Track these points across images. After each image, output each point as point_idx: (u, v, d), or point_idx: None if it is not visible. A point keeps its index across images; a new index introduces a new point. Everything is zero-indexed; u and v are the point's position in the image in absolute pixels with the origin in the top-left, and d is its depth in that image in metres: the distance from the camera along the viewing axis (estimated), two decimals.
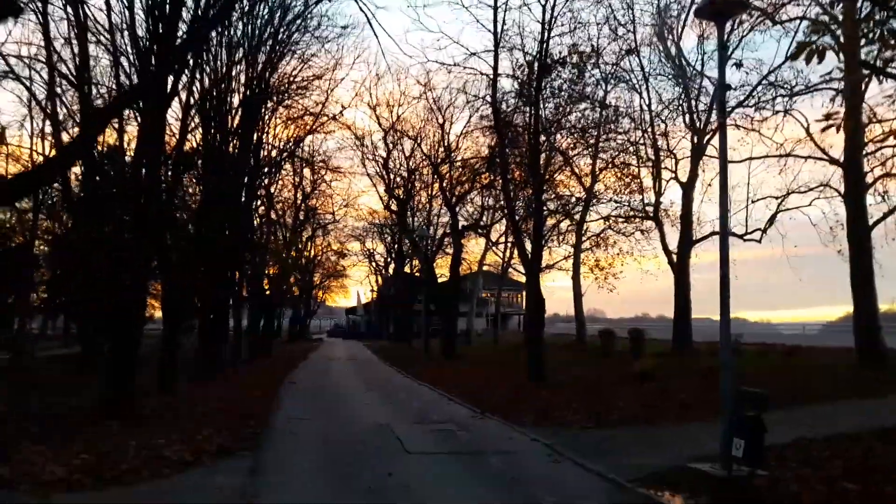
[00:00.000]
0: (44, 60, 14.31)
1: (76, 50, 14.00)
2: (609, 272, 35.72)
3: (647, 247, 33.64)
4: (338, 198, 44.86)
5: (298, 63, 23.65)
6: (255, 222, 32.95)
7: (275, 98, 24.04)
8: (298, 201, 40.68)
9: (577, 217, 34.52)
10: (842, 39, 10.44)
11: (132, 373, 12.27)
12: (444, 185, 34.75)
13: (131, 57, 13.72)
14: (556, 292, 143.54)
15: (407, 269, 54.12)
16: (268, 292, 39.27)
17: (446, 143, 34.67)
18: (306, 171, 36.34)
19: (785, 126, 33.77)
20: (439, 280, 41.47)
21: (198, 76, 18.95)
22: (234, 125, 20.99)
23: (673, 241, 30.29)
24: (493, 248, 45.72)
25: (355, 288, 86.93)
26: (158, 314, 26.36)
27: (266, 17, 20.76)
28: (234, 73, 20.61)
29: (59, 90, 15.73)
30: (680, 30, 28.09)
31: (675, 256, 29.74)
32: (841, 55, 7.47)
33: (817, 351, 25.78)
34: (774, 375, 17.60)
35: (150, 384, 15.22)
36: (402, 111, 35.33)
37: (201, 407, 13.91)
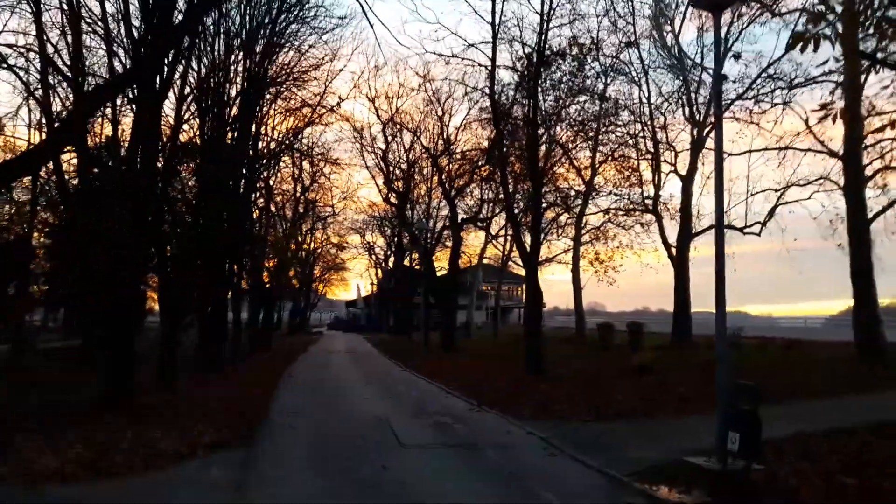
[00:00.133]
0: (37, 50, 14.18)
1: (70, 40, 13.88)
2: (609, 266, 35.65)
3: (647, 240, 33.58)
4: (337, 191, 44.74)
5: (296, 54, 23.53)
6: (254, 215, 32.89)
7: (273, 89, 23.92)
8: (298, 194, 40.59)
9: (576, 210, 34.44)
10: (840, 29, 10.33)
11: (131, 369, 12.22)
12: (444, 177, 34.66)
13: (126, 46, 13.62)
14: (556, 286, 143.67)
15: (407, 263, 54.09)
16: (267, 285, 39.23)
17: (445, 136, 34.57)
18: (305, 164, 36.22)
19: (784, 119, 33.65)
20: (439, 273, 41.43)
21: (194, 66, 18.85)
22: (232, 115, 20.88)
23: (672, 235, 30.27)
24: (493, 241, 45.66)
25: (355, 281, 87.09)
26: (158, 307, 26.33)
27: (264, 5, 20.62)
28: (231, 63, 20.46)
29: (53, 81, 15.63)
30: (679, 22, 27.99)
31: (674, 250, 29.69)
32: (838, 45, 7.36)
33: (817, 345, 25.76)
34: (773, 369, 17.59)
35: (150, 381, 15.17)
36: (401, 103, 35.22)
37: (200, 403, 13.85)
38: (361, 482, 8.32)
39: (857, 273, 19.93)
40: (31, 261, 29.34)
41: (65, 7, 13.96)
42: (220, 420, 11.98)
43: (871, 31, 5.88)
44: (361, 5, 11.72)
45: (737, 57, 20.39)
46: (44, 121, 18.16)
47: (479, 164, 32.11)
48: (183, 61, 15.52)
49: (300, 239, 48.85)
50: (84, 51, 15.00)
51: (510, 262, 47.36)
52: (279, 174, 34.96)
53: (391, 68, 52.83)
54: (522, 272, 36.02)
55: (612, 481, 8.40)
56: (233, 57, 20.37)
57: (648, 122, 30.75)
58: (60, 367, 16.19)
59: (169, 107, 17.27)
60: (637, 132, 31.20)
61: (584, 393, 15.53)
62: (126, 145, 14.76)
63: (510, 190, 29.13)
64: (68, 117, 11.98)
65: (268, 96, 24.30)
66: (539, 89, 21.69)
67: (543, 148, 26.00)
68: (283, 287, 48.96)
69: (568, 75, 23.49)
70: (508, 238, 42.57)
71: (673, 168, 30.77)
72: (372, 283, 77.86)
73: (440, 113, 34.04)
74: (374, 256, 69.36)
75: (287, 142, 27.01)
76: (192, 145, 19.03)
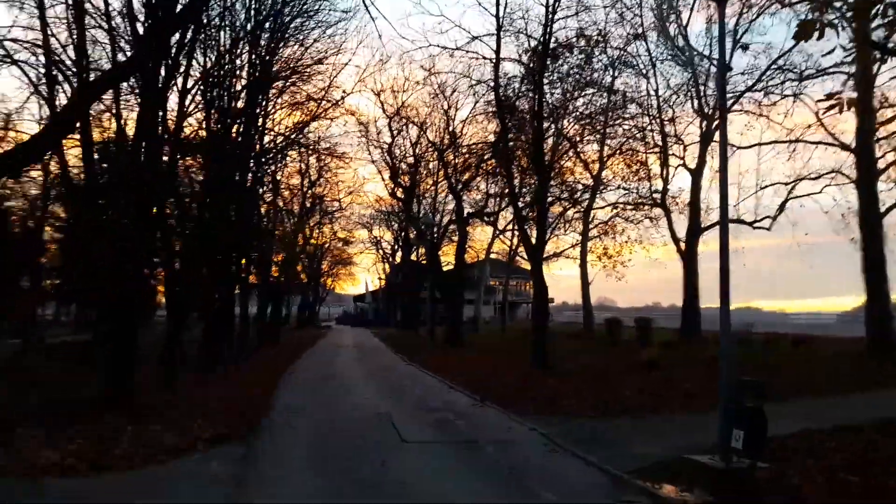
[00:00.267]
0: (41, 45, 14.24)
1: (74, 34, 13.89)
2: (617, 260, 35.42)
3: (656, 235, 33.31)
4: (343, 185, 44.70)
5: (300, 48, 23.42)
6: (261, 209, 32.90)
7: (278, 83, 23.84)
8: (304, 188, 40.57)
9: (583, 204, 34.21)
10: (849, 18, 10.09)
11: (131, 369, 12.15)
12: (449, 171, 34.50)
13: (130, 41, 13.57)
14: (564, 280, 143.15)
15: (414, 257, 54.02)
16: (276, 279, 39.29)
17: (451, 130, 34.36)
18: (312, 159, 36.14)
19: (795, 111, 33.21)
20: (446, 268, 41.32)
21: (200, 59, 18.80)
22: (237, 109, 20.80)
23: (681, 229, 30.00)
24: (501, 236, 45.50)
25: (363, 275, 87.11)
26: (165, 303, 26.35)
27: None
28: (236, 56, 20.38)
29: (59, 77, 15.60)
30: (687, 13, 27.67)
31: (683, 244, 29.44)
32: (847, 32, 7.17)
33: (828, 341, 25.46)
34: (781, 366, 17.38)
35: (151, 380, 15.11)
36: (406, 97, 34.98)
37: (200, 403, 13.78)
38: (361, 481, 8.24)
39: (870, 268, 19.67)
40: (42, 255, 29.54)
41: (69, 2, 13.95)
42: (219, 419, 11.94)
43: (880, 19, 5.73)
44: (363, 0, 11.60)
45: (744, 48, 20.08)
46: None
47: (486, 157, 31.92)
48: (186, 54, 15.45)
49: (308, 233, 48.90)
50: (88, 47, 15.04)
51: (518, 257, 47.21)
52: (286, 169, 34.93)
53: (396, 62, 52.63)
54: (530, 267, 35.89)
55: (614, 479, 8.29)
56: (237, 50, 20.29)
57: (656, 116, 30.47)
58: (61, 367, 16.08)
59: (174, 101, 17.30)
60: (645, 125, 30.93)
61: (590, 389, 15.40)
62: (132, 141, 14.77)
63: (517, 184, 29.01)
64: (70, 103, 11.93)
65: (273, 91, 24.25)
66: (545, 82, 21.50)
67: (550, 141, 25.84)
68: (292, 281, 49.03)
69: (575, 68, 23.33)
70: (515, 233, 42.39)
71: (682, 162, 30.50)
72: (380, 278, 77.98)
73: (446, 107, 33.83)
74: (381, 251, 69.38)
75: (293, 136, 26.92)
76: (197, 139, 18.97)
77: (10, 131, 19.18)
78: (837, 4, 6.36)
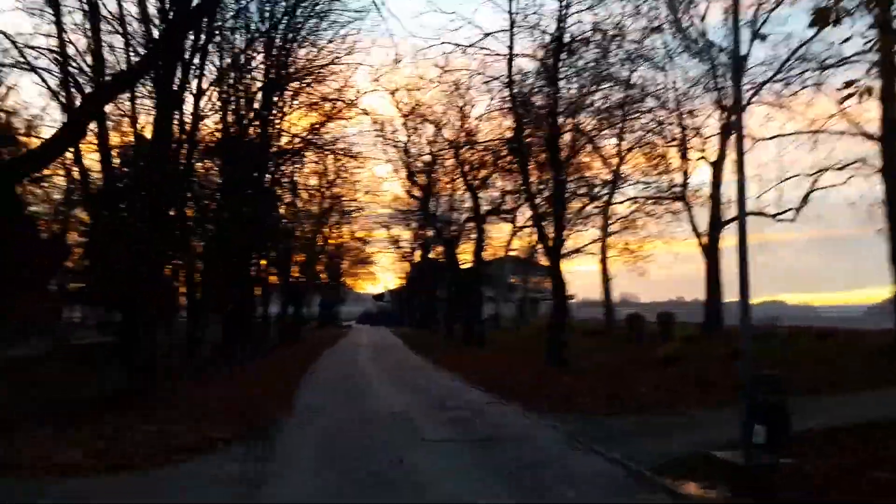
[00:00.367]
0: (58, 50, 14.39)
1: (90, 40, 14.04)
2: (638, 256, 35.06)
3: (678, 229, 32.90)
4: (360, 185, 44.79)
5: (314, 49, 23.47)
6: (280, 210, 33.09)
7: (294, 84, 23.93)
8: (322, 189, 40.70)
9: (603, 200, 33.89)
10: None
11: (149, 368, 12.27)
12: (465, 169, 34.39)
13: (146, 45, 13.70)
14: (586, 277, 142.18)
15: (432, 256, 53.99)
16: (296, 280, 39.56)
17: (467, 127, 34.19)
18: (329, 160, 36.22)
19: (816, 101, 32.65)
20: (464, 266, 41.20)
21: (215, 62, 18.92)
22: (253, 110, 20.93)
23: (703, 223, 29.61)
24: (519, 232, 45.22)
25: (383, 275, 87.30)
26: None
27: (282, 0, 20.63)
28: (250, 56, 20.48)
29: (75, 82, 15.78)
30: (705, 4, 27.28)
31: (704, 238, 29.06)
32: (867, 20, 7.01)
33: (855, 334, 24.95)
34: (804, 360, 17.08)
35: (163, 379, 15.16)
36: (421, 95, 34.83)
37: (200, 403, 13.83)
38: (378, 478, 8.20)
39: None
40: (67, 258, 29.99)
41: (85, 7, 14.12)
42: (234, 414, 12.00)
43: None
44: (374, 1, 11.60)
45: (762, 38, 19.75)
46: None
47: (502, 154, 31.72)
48: (201, 55, 15.56)
49: (327, 234, 49.14)
50: (105, 53, 15.19)
51: (537, 254, 46.92)
52: (304, 170, 35.06)
53: (410, 60, 52.54)
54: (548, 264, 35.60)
55: (633, 476, 8.18)
56: (252, 52, 20.40)
57: (674, 109, 30.07)
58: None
59: (192, 105, 17.42)
60: (663, 119, 30.54)
61: (607, 385, 15.26)
62: (149, 144, 14.89)
63: (534, 180, 28.78)
64: (85, 103, 12.06)
65: (288, 92, 24.34)
66: (561, 77, 21.33)
67: (568, 137, 25.62)
68: (312, 282, 49.35)
69: (592, 63, 23.08)
70: (534, 230, 42.08)
71: (702, 154, 30.10)
72: (399, 277, 78.12)
73: (461, 103, 33.66)
74: (400, 250, 69.41)
75: (309, 137, 27.02)
76: (214, 141, 19.11)
77: (33, 137, 19.53)
78: None
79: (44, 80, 15.01)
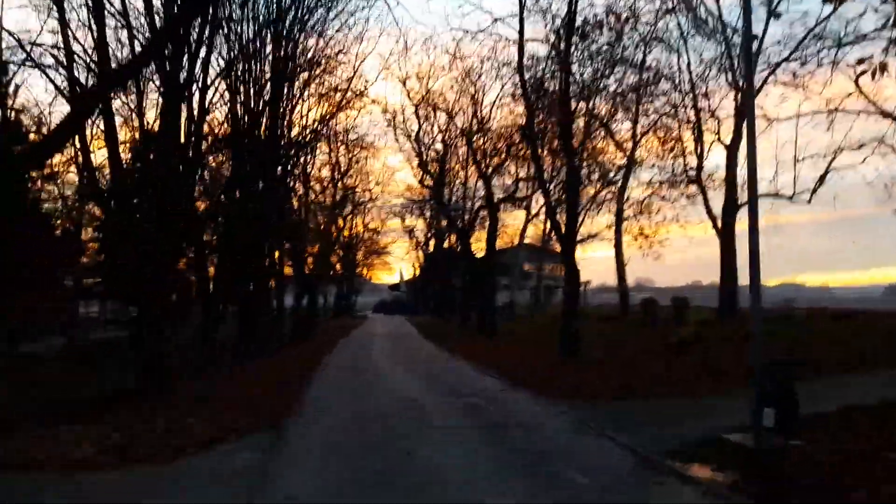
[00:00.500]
0: (62, 47, 14.49)
1: (94, 35, 14.08)
2: (654, 240, 34.75)
3: (693, 213, 32.53)
4: (373, 176, 44.91)
5: (323, 39, 23.43)
6: (293, 203, 33.19)
7: (303, 75, 23.93)
8: (336, 179, 40.80)
9: (617, 185, 33.59)
10: None
11: (145, 368, 12.30)
12: (478, 156, 34.26)
13: (148, 37, 13.75)
14: (601, 262, 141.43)
15: (446, 245, 53.98)
16: (311, 271, 39.70)
17: (479, 115, 34.04)
18: (341, 150, 36.30)
19: (833, 80, 32.14)
20: (479, 254, 41.16)
21: (224, 54, 18.88)
22: (263, 101, 20.91)
23: (718, 206, 29.27)
24: (533, 220, 45.06)
25: (398, 264, 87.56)
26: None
27: None
28: (258, 47, 20.43)
29: (81, 79, 15.85)
30: None
31: (719, 221, 28.75)
32: None
33: (872, 315, 24.62)
34: (820, 342, 16.88)
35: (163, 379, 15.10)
36: (432, 84, 34.67)
37: (231, 391, 13.96)
38: (390, 464, 8.23)
39: None
40: (82, 255, 30.34)
41: (89, 3, 14.14)
42: (256, 397, 12.09)
43: None
44: None
45: (776, 16, 19.38)
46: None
47: (516, 141, 31.53)
48: (207, 45, 15.55)
49: (341, 224, 49.29)
50: (109, 48, 15.22)
51: (552, 242, 46.73)
52: (316, 161, 35.17)
53: (420, 48, 52.27)
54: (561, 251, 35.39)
55: (643, 460, 8.15)
56: (260, 43, 20.36)
57: (689, 91, 29.68)
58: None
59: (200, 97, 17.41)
60: (678, 102, 30.15)
61: (619, 371, 15.21)
62: (156, 137, 14.95)
63: (548, 167, 28.53)
64: (89, 91, 12.11)
65: (298, 83, 24.32)
66: (573, 62, 21.06)
67: (582, 122, 25.37)
68: (326, 273, 49.54)
69: (606, 46, 22.78)
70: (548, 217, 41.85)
71: (717, 137, 29.70)
72: (413, 267, 78.28)
73: (473, 91, 33.50)
74: (414, 240, 69.47)
75: (318, 128, 27.03)
76: (223, 135, 19.14)
77: (43, 135, 19.66)
78: None
79: (49, 78, 15.17)
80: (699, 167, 30.24)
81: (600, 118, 27.71)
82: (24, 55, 14.12)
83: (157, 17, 13.31)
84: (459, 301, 43.12)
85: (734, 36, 25.93)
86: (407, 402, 12.99)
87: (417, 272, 76.46)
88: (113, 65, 13.92)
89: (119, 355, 18.51)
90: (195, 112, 16.42)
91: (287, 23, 20.86)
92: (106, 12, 13.81)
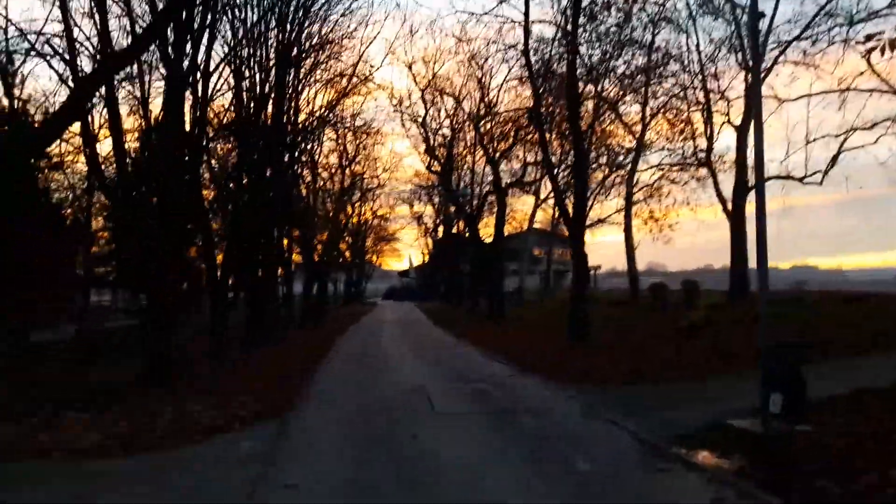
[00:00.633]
0: (63, 35, 14.44)
1: (96, 23, 14.03)
2: (664, 224, 34.49)
3: (704, 196, 32.23)
4: (381, 162, 44.77)
5: (328, 24, 23.22)
6: (302, 191, 33.15)
7: (308, 61, 23.76)
8: (344, 166, 40.68)
9: (626, 168, 33.31)
10: None
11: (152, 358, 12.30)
12: (486, 141, 34.05)
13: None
14: (611, 247, 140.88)
15: (455, 231, 53.90)
16: (320, 258, 39.75)
17: (486, 99, 33.78)
18: (348, 137, 36.15)
19: (845, 59, 31.63)
20: (487, 240, 41.05)
21: (229, 40, 18.75)
22: (267, 84, 20.78)
23: (728, 189, 28.98)
24: (543, 204, 44.85)
25: (407, 251, 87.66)
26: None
27: None
28: (262, 32, 20.26)
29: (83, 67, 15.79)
30: None
31: (729, 204, 28.46)
32: None
33: (885, 297, 24.31)
34: (830, 325, 16.70)
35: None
36: (438, 68, 34.40)
37: (237, 380, 13.99)
38: (395, 449, 8.26)
39: None
40: (93, 244, 30.52)
41: None
42: (269, 377, 12.10)
43: None
44: None
45: None
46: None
47: (524, 125, 31.27)
48: (210, 30, 15.45)
49: (350, 211, 49.26)
50: (112, 39, 15.12)
51: (561, 226, 46.49)
52: (323, 148, 35.06)
53: (426, 31, 51.87)
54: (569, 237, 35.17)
55: (650, 446, 8.08)
56: (263, 27, 20.18)
57: (698, 72, 29.28)
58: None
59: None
60: (687, 84, 29.76)
61: (629, 355, 15.13)
62: (161, 124, 14.90)
63: (557, 151, 28.32)
64: (88, 75, 12.04)
65: (303, 69, 24.16)
66: (582, 43, 20.80)
67: (590, 105, 25.11)
68: (335, 260, 49.61)
69: (614, 27, 22.48)
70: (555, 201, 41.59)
71: (726, 118, 29.33)
72: (423, 253, 78.29)
73: (479, 74, 33.22)
74: (423, 226, 69.39)
75: (324, 115, 26.90)
76: (227, 123, 19.06)
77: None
78: None
79: (53, 68, 15.08)
80: (709, 149, 29.89)
81: (609, 101, 27.44)
82: (29, 45, 14.10)
83: (158, 1, 13.23)
84: (468, 287, 43.08)
85: (743, 15, 25.52)
86: (415, 387, 12.98)
87: (426, 259, 76.53)
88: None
89: (127, 346, 18.63)
90: (199, 99, 16.35)
91: (291, 6, 20.70)
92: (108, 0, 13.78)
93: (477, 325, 30.07)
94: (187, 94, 15.13)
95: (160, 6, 12.93)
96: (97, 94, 13.58)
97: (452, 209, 49.01)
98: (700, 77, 29.14)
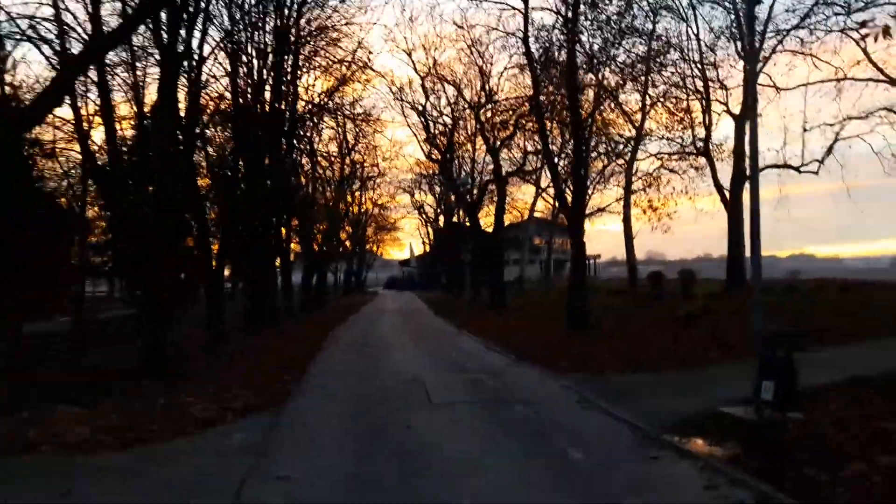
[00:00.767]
0: (52, 19, 14.26)
1: (87, 5, 13.86)
2: (663, 213, 34.45)
3: (702, 185, 32.20)
4: (380, 151, 44.53)
5: (326, 10, 23.02)
6: (301, 179, 33.03)
7: (306, 48, 23.59)
8: (343, 153, 40.50)
9: (626, 157, 33.24)
10: None
11: (161, 348, 12.29)
12: (486, 129, 33.93)
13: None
14: (610, 236, 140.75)
15: (456, 220, 53.87)
16: (319, 248, 39.70)
17: (487, 87, 33.61)
18: (348, 125, 35.93)
19: (842, 48, 31.45)
20: (488, 229, 41.00)
21: (227, 24, 18.59)
22: (265, 74, 20.65)
23: (726, 178, 28.95)
24: (543, 193, 44.78)
25: (408, 240, 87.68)
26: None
27: None
28: (260, 16, 20.08)
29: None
30: None
31: (727, 193, 28.44)
32: None
33: (880, 286, 24.35)
34: (825, 312, 16.74)
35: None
36: (438, 55, 34.23)
37: (235, 371, 14.01)
38: (391, 439, 8.29)
39: None
40: (89, 233, 30.44)
41: None
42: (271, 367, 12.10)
43: None
44: None
45: None
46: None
47: (524, 114, 31.12)
48: (204, 13, 15.29)
49: (350, 200, 49.13)
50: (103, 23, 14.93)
51: (561, 215, 46.40)
52: (322, 137, 34.89)
53: (426, 18, 51.55)
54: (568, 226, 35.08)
55: (644, 434, 8.09)
56: (260, 13, 19.99)
57: (697, 61, 29.17)
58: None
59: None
60: (686, 73, 29.64)
61: (627, 344, 15.16)
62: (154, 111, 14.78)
63: (558, 140, 28.18)
64: (76, 56, 11.88)
65: (301, 56, 23.99)
66: (583, 31, 20.68)
67: (591, 93, 24.98)
68: (335, 250, 49.54)
69: (615, 15, 22.33)
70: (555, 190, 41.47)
71: (725, 108, 29.25)
72: (424, 242, 78.29)
73: (480, 62, 33.03)
74: (424, 215, 69.35)
75: (323, 102, 26.74)
76: (223, 109, 18.94)
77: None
78: None
79: (44, 54, 14.91)
80: (707, 138, 29.88)
81: (609, 89, 27.32)
82: (19, 30, 13.93)
83: None
84: (469, 276, 43.08)
85: (742, 3, 25.37)
86: (413, 377, 13.01)
87: (427, 248, 76.52)
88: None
89: (122, 336, 18.61)
90: (193, 84, 16.21)
91: None
92: None
93: (478, 314, 30.08)
94: (182, 80, 15.02)
95: None
96: (89, 79, 13.46)
97: (453, 198, 48.95)
98: (699, 66, 29.07)
